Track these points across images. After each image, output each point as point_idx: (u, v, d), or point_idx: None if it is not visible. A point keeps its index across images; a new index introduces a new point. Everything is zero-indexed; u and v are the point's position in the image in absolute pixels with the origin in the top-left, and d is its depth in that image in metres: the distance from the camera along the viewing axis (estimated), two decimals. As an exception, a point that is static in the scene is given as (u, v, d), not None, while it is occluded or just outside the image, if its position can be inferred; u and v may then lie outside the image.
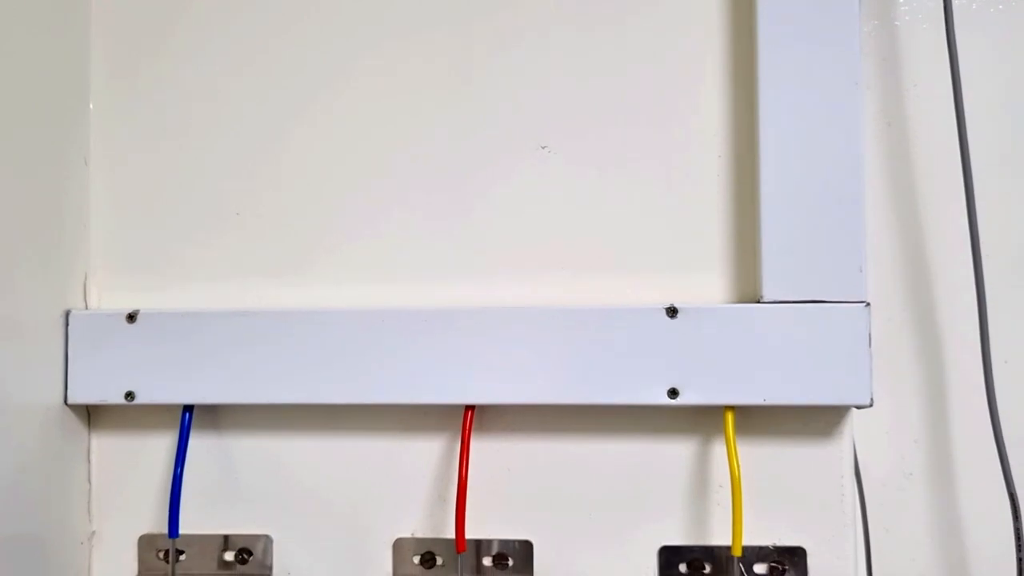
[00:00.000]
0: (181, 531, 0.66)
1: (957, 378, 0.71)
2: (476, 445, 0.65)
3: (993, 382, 0.66)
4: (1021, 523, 0.63)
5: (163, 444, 0.68)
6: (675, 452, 0.65)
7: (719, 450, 0.65)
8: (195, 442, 0.67)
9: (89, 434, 0.69)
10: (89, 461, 0.69)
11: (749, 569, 0.65)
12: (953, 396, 0.72)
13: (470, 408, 0.65)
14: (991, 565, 0.70)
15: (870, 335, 0.61)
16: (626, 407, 0.64)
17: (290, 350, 0.65)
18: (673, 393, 0.63)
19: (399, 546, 0.67)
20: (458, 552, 0.63)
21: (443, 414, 0.66)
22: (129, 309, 0.66)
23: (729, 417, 0.63)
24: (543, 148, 0.66)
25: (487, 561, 0.66)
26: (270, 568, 0.68)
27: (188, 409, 0.67)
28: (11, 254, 0.62)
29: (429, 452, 0.67)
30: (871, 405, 0.61)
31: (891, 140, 0.72)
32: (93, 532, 0.69)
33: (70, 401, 0.66)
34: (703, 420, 0.65)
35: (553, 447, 0.66)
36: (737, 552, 0.61)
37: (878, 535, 0.71)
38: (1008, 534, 0.65)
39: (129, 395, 0.66)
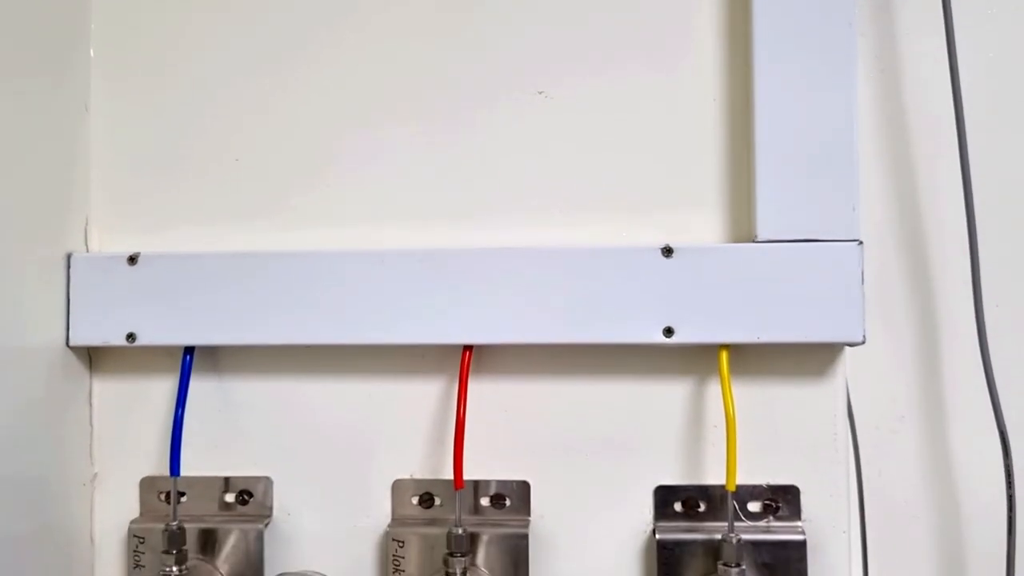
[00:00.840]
0: (182, 473, 0.67)
1: (949, 322, 0.72)
2: (474, 387, 0.66)
3: (985, 325, 0.67)
4: (1011, 460, 0.64)
5: (164, 387, 0.69)
6: (670, 392, 0.66)
7: (714, 390, 0.66)
8: (196, 385, 0.68)
9: (91, 377, 0.70)
10: (91, 404, 0.70)
11: (743, 507, 0.65)
12: (945, 339, 0.72)
13: (468, 348, 0.65)
14: (982, 505, 0.71)
15: (863, 273, 0.61)
16: (622, 346, 0.65)
17: (290, 291, 0.66)
18: (668, 332, 0.63)
19: (398, 487, 0.68)
20: (456, 489, 0.64)
21: (441, 356, 0.67)
22: (130, 252, 0.67)
23: (723, 355, 0.63)
24: (540, 93, 0.67)
25: (485, 501, 0.67)
26: (270, 509, 0.68)
27: (189, 351, 0.67)
28: (12, 198, 0.63)
29: (427, 394, 0.68)
30: (863, 342, 0.61)
31: (885, 84, 0.73)
32: (95, 474, 0.70)
33: (72, 343, 0.67)
34: (698, 360, 0.65)
35: (550, 388, 0.67)
36: (731, 487, 0.62)
37: (871, 477, 0.72)
38: (999, 474, 0.66)
39: (130, 336, 0.67)
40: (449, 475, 0.66)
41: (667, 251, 0.63)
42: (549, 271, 0.64)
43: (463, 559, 0.63)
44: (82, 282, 0.67)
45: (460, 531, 0.63)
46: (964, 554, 0.71)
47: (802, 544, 0.64)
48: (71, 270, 0.67)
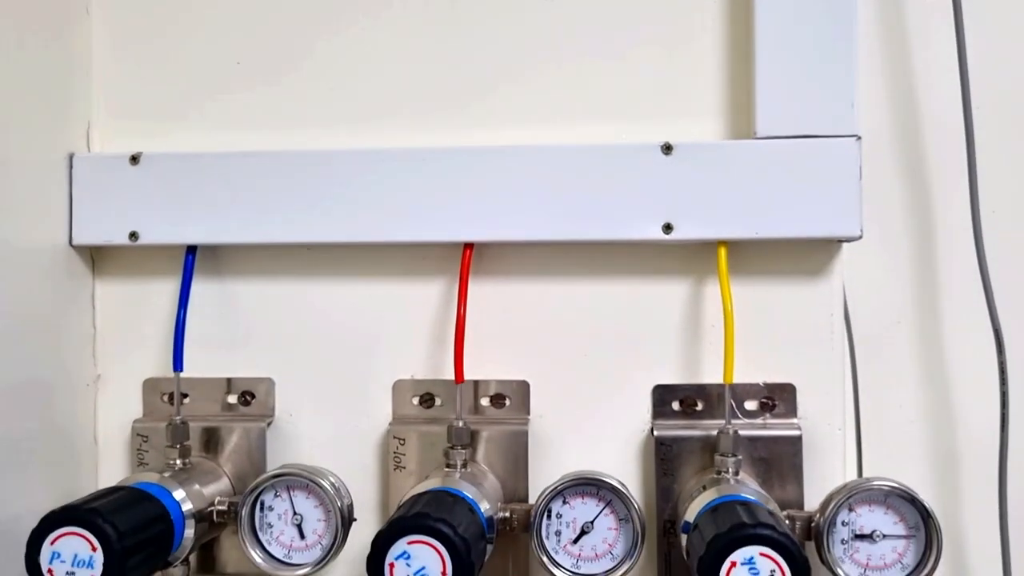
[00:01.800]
0: (184, 375, 0.67)
1: (945, 225, 0.73)
2: (474, 289, 0.67)
3: (980, 226, 0.67)
4: (1005, 357, 0.65)
5: (166, 289, 0.70)
6: (669, 292, 0.67)
7: (712, 290, 0.66)
8: (197, 287, 0.69)
9: (93, 279, 0.70)
10: (93, 306, 0.70)
11: (740, 406, 0.66)
12: (941, 242, 0.73)
13: (468, 246, 0.66)
14: (976, 406, 0.72)
15: (860, 168, 0.62)
16: (621, 245, 0.66)
17: (291, 191, 0.66)
18: (667, 228, 0.64)
19: (398, 388, 0.68)
20: (457, 383, 0.65)
21: (442, 256, 0.67)
22: (132, 152, 0.67)
23: (722, 252, 0.64)
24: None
25: (485, 402, 0.68)
26: (272, 410, 0.69)
27: (191, 251, 0.68)
28: (14, 99, 0.63)
29: (428, 295, 0.68)
30: (860, 237, 0.62)
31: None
32: (98, 376, 0.70)
33: (75, 242, 0.67)
34: (696, 259, 0.66)
35: (550, 289, 0.68)
36: (728, 380, 0.63)
37: (866, 380, 0.72)
38: (992, 372, 0.67)
39: (133, 235, 0.67)
40: (449, 375, 0.67)
41: (667, 148, 0.64)
42: (549, 169, 0.64)
43: (464, 451, 0.64)
44: (84, 182, 0.67)
45: (461, 423, 0.64)
46: (957, 450, 0.72)
47: (797, 439, 0.65)
48: (73, 170, 0.67)
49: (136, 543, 0.55)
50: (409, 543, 0.52)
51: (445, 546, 0.52)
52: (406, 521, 0.53)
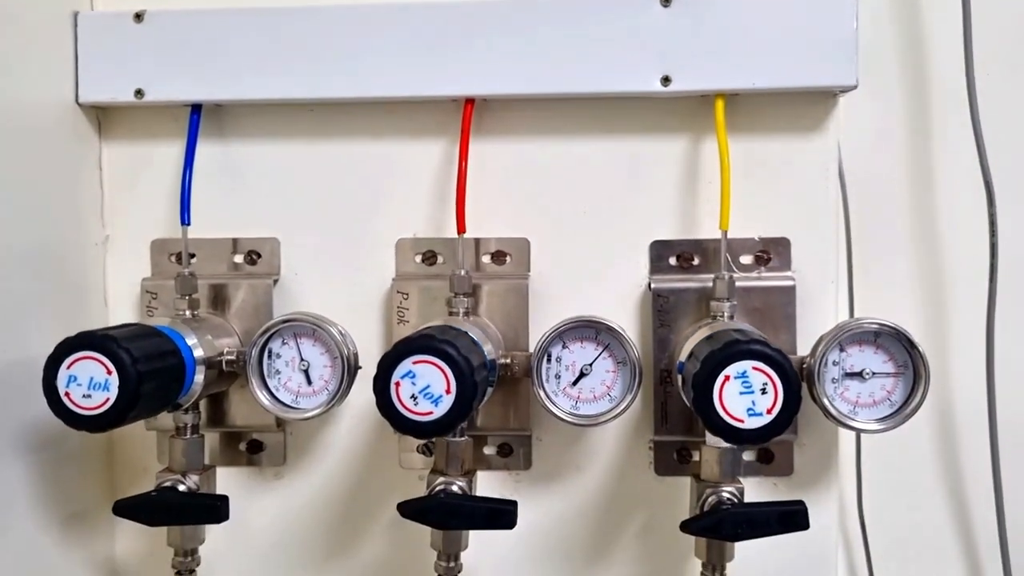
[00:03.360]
0: (191, 235, 0.69)
1: (940, 81, 0.73)
2: (475, 148, 0.68)
3: (975, 82, 0.68)
4: (995, 209, 0.66)
5: (171, 152, 0.71)
6: (666, 149, 0.68)
7: (709, 148, 0.67)
8: (202, 149, 0.69)
9: (100, 141, 0.71)
10: (100, 168, 0.71)
11: (735, 260, 0.68)
12: (935, 98, 0.74)
13: (469, 101, 0.67)
14: (966, 258, 0.73)
15: (857, 16, 0.63)
16: (620, 98, 0.67)
17: (294, 47, 0.67)
18: (666, 80, 0.65)
19: (401, 246, 0.70)
20: (459, 233, 0.66)
21: (443, 113, 0.68)
22: (135, 9, 0.67)
23: (719, 104, 0.65)
24: None
25: (486, 259, 0.70)
26: (278, 268, 0.71)
27: (196, 109, 0.69)
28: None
29: (429, 155, 0.69)
30: (856, 86, 0.63)
31: None
32: (107, 236, 0.72)
33: (81, 100, 0.68)
34: (694, 115, 0.67)
35: (549, 148, 0.69)
36: (724, 227, 0.64)
37: (859, 234, 0.74)
38: (983, 226, 0.68)
39: (138, 92, 0.68)
40: (451, 234, 0.68)
41: (665, 0, 0.64)
42: (548, 22, 0.65)
43: (466, 300, 0.66)
44: (89, 40, 0.68)
45: (463, 272, 0.66)
46: (946, 297, 0.73)
47: (791, 290, 0.66)
48: (78, 28, 0.68)
49: (150, 371, 0.56)
50: (414, 363, 0.54)
51: (449, 365, 0.54)
52: (412, 342, 0.54)
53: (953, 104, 0.71)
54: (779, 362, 0.52)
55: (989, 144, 0.67)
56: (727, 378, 0.52)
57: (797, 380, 0.53)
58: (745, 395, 0.53)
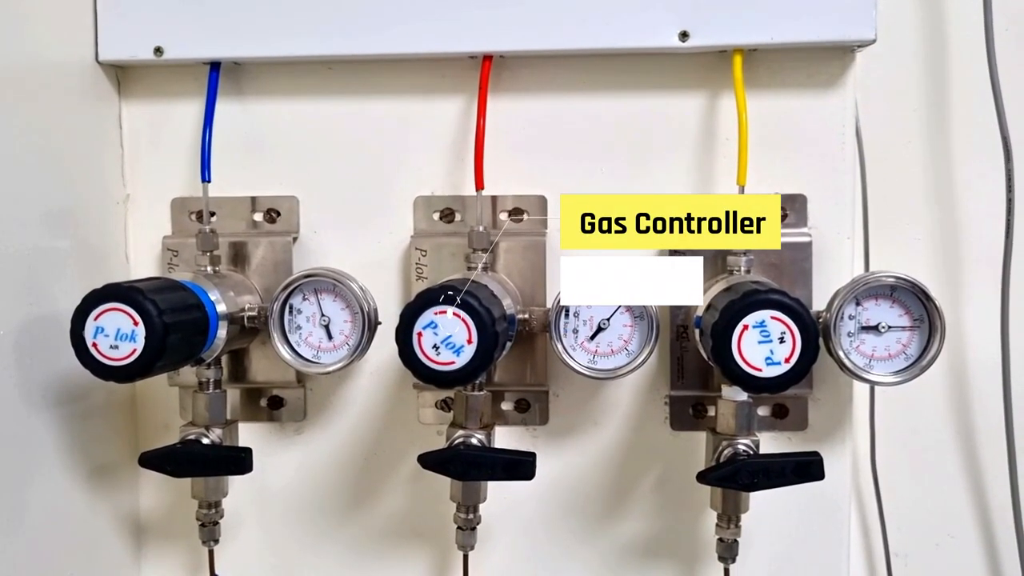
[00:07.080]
0: (211, 194, 0.69)
1: (957, 39, 0.73)
2: (492, 105, 0.68)
3: (994, 47, 0.68)
4: (1012, 165, 0.66)
5: (190, 111, 0.71)
6: (684, 106, 0.68)
7: (726, 104, 0.67)
8: (221, 108, 0.70)
9: (120, 100, 0.72)
10: (120, 127, 0.72)
11: (752, 216, 0.68)
12: (953, 54, 0.74)
13: (487, 58, 0.67)
14: (982, 214, 0.74)
15: (876, -30, 0.63)
16: (638, 55, 0.67)
17: (312, 5, 0.67)
18: (684, 36, 0.65)
19: (419, 204, 0.70)
20: (477, 190, 0.66)
21: (460, 71, 0.68)
22: (154, -33, 0.68)
23: (737, 59, 0.65)
24: None
25: (503, 216, 0.70)
26: (297, 226, 0.71)
27: (215, 67, 0.69)
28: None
29: (447, 112, 0.70)
30: (874, 40, 0.63)
31: None
32: (127, 195, 0.72)
33: (101, 58, 0.69)
34: (711, 72, 0.67)
35: (567, 105, 0.69)
36: (742, 183, 0.64)
37: (875, 184, 0.74)
38: (1000, 182, 0.68)
39: (158, 50, 0.68)
40: (469, 191, 0.69)
41: (684, -45, 0.64)
42: (567, -22, 0.65)
43: (484, 255, 0.66)
44: (108, -2, 0.68)
45: (481, 228, 0.66)
46: (962, 253, 0.74)
47: (808, 246, 0.67)
48: (96, -14, 0.68)
49: (175, 323, 0.57)
50: (436, 313, 0.55)
51: (471, 316, 0.54)
52: (433, 292, 0.55)
53: (970, 59, 0.71)
54: (797, 311, 0.53)
55: (1007, 99, 0.67)
56: (746, 327, 0.53)
57: (815, 329, 0.53)
58: (764, 344, 0.53)
